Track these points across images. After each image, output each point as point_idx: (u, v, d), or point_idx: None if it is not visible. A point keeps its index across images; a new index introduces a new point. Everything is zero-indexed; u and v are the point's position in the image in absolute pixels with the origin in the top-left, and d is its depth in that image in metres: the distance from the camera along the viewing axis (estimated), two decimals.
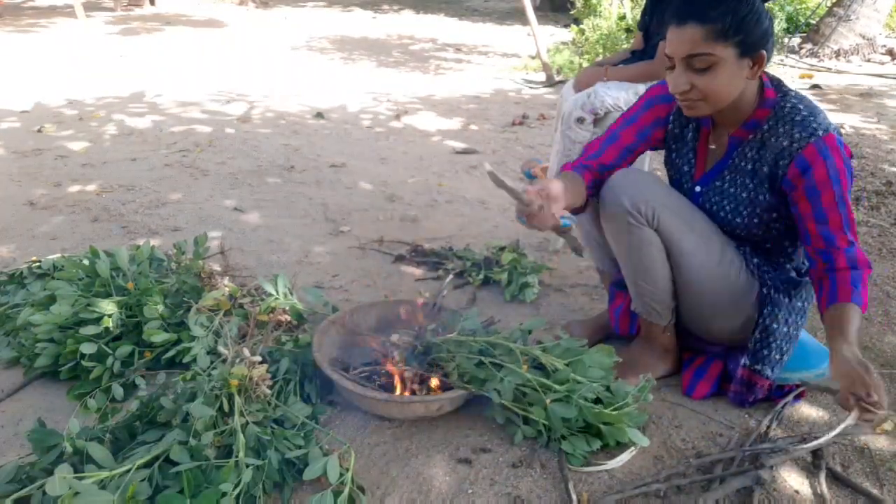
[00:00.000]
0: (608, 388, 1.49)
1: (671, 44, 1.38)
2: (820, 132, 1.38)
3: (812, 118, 1.40)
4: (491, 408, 1.50)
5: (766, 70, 1.43)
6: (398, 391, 1.56)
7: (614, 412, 1.42)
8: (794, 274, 1.56)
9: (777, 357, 1.56)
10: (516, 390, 1.47)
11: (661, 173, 2.10)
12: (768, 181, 1.46)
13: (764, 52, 1.36)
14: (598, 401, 1.46)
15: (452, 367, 1.52)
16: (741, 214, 1.53)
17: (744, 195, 1.51)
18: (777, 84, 1.48)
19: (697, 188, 1.60)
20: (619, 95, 2.25)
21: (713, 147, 1.58)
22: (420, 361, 1.60)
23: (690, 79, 1.37)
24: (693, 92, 1.38)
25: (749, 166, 1.49)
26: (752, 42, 1.34)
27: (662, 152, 1.72)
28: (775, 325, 1.54)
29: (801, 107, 1.43)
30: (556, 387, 1.45)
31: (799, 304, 1.56)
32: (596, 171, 1.61)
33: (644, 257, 1.54)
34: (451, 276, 2.04)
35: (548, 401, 1.43)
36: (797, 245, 1.54)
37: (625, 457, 1.44)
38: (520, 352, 1.53)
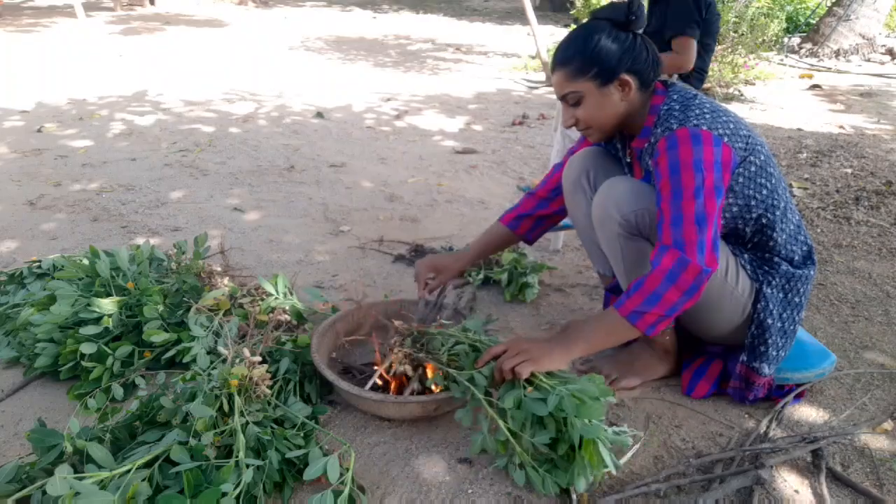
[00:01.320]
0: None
1: (554, 89, 1.56)
2: (675, 126, 1.42)
3: (678, 114, 1.44)
4: (462, 410, 1.42)
5: (665, 79, 1.54)
6: (392, 389, 1.56)
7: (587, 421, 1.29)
8: (786, 266, 1.55)
9: (773, 353, 1.56)
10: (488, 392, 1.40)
11: None
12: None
13: (625, 75, 1.46)
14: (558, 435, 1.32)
15: (443, 354, 1.50)
16: None
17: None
18: (666, 87, 1.54)
19: None
20: None
21: (629, 160, 1.67)
22: (416, 348, 1.58)
23: (572, 113, 1.54)
24: (579, 123, 1.54)
25: (650, 170, 1.52)
26: (608, 70, 1.46)
27: None
28: (770, 321, 1.54)
29: (677, 106, 1.47)
30: (543, 379, 1.35)
31: (796, 299, 1.56)
32: (545, 196, 1.84)
33: (639, 266, 1.54)
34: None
35: (529, 389, 1.34)
36: (773, 236, 1.54)
37: (625, 456, 1.44)
38: None
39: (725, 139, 1.41)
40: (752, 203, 1.50)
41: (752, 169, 1.47)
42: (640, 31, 1.51)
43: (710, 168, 1.38)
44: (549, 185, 1.84)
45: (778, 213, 1.52)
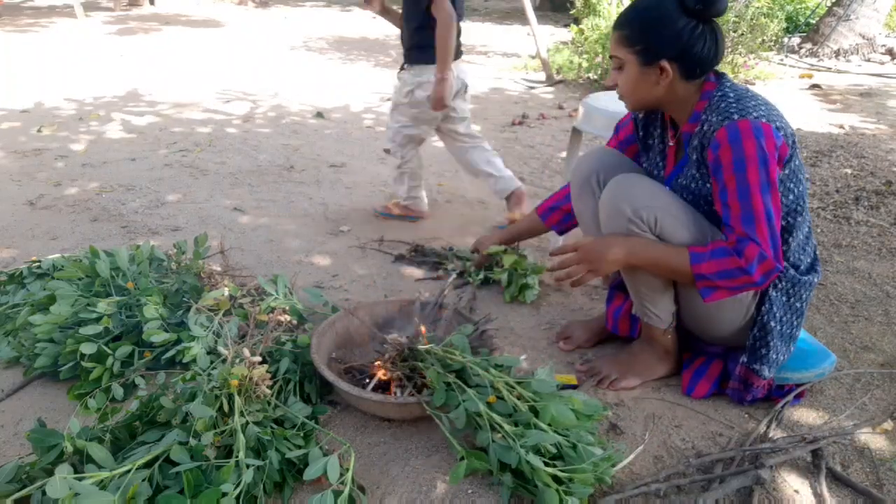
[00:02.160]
0: (574, 445, 1.31)
1: None
2: (735, 116, 1.40)
3: (735, 104, 1.43)
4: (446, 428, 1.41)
5: (709, 74, 1.51)
6: (391, 389, 1.56)
7: (561, 472, 1.26)
8: (792, 272, 1.55)
9: (774, 357, 1.56)
10: (471, 418, 1.38)
11: None
12: (704, 168, 1.50)
13: (665, 63, 1.47)
14: (556, 456, 1.31)
15: (430, 374, 1.48)
16: (701, 208, 1.54)
17: (693, 187, 1.54)
18: (718, 76, 1.53)
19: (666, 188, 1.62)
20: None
21: (672, 144, 1.64)
22: (405, 365, 1.59)
23: (615, 76, 1.57)
24: (618, 88, 1.58)
25: (695, 157, 1.53)
26: (652, 52, 1.48)
27: None
28: (773, 324, 1.54)
29: (731, 94, 1.46)
30: (506, 427, 1.33)
31: (797, 304, 1.56)
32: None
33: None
34: (452, 276, 2.04)
35: (498, 436, 1.32)
36: (793, 237, 1.53)
37: (626, 459, 1.44)
38: (490, 383, 1.42)
39: (782, 132, 1.41)
40: (784, 201, 1.49)
41: (786, 172, 1.47)
42: (714, 18, 1.47)
43: (771, 161, 1.39)
44: None
45: (799, 219, 1.51)
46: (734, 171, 1.40)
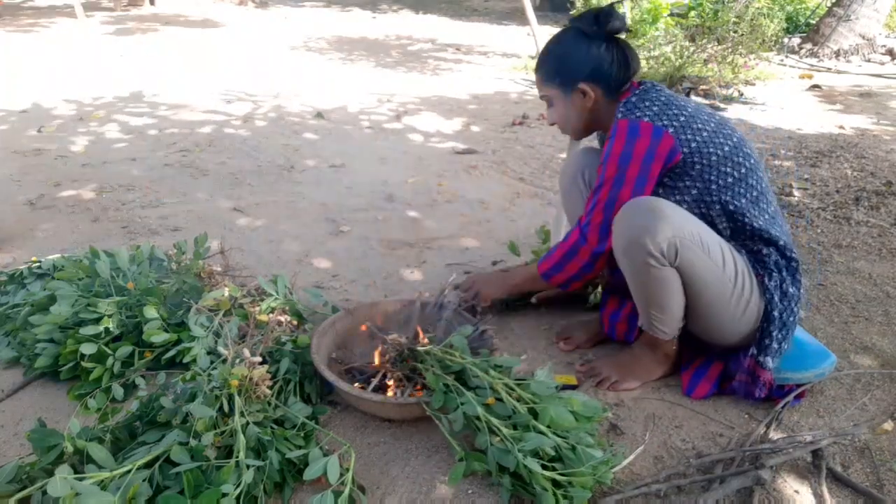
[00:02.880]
0: (574, 447, 1.30)
1: None
2: (619, 116, 1.57)
3: (623, 108, 1.58)
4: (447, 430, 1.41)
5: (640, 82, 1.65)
6: (391, 389, 1.56)
7: (560, 475, 1.26)
8: (776, 256, 1.56)
9: (776, 346, 1.56)
10: (468, 422, 1.38)
11: None
12: None
13: (584, 84, 1.62)
14: (555, 458, 1.30)
15: (429, 376, 1.48)
16: None
17: None
18: (639, 85, 1.63)
19: None
20: None
21: None
22: (405, 365, 1.59)
23: (550, 114, 1.75)
24: (556, 123, 1.74)
25: None
26: (568, 80, 1.64)
27: None
28: (776, 314, 1.54)
29: (633, 99, 1.59)
30: (504, 430, 1.32)
31: (792, 290, 1.56)
32: None
33: (661, 293, 1.54)
34: (454, 276, 2.04)
35: (496, 439, 1.32)
36: (746, 222, 1.55)
37: (627, 459, 1.44)
38: (489, 384, 1.42)
39: (670, 130, 1.51)
40: (713, 188, 1.56)
41: (714, 158, 1.54)
42: (617, 35, 1.61)
43: (637, 159, 1.53)
44: None
45: (745, 200, 1.56)
46: (602, 164, 1.57)
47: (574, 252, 1.64)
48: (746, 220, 1.56)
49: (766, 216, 1.58)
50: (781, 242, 1.57)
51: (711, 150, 1.54)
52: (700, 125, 1.54)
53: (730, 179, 1.55)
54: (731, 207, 1.56)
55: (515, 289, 1.87)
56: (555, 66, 1.66)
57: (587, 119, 1.70)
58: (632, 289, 1.60)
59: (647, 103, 1.56)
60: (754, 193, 1.57)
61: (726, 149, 1.55)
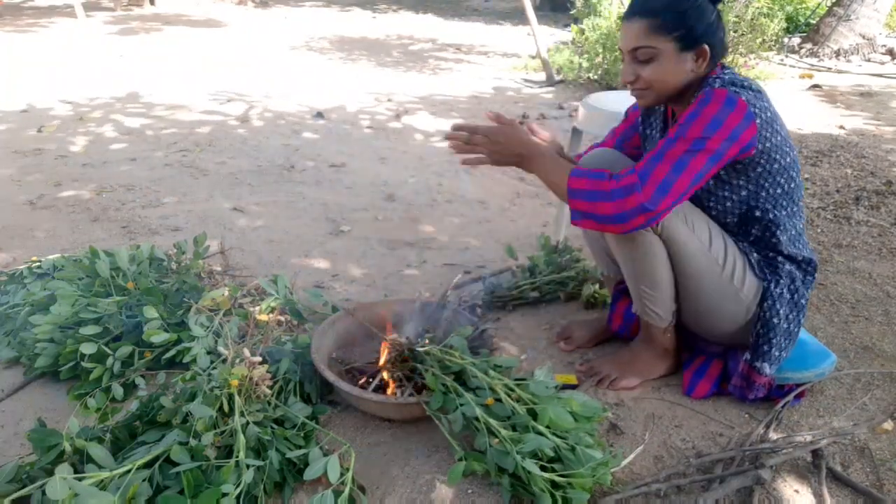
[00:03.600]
0: (573, 448, 1.30)
1: (621, 39, 1.49)
2: (716, 85, 1.42)
3: (718, 80, 1.44)
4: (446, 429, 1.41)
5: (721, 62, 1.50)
6: (391, 389, 1.56)
7: (559, 477, 1.26)
8: (790, 267, 1.56)
9: (776, 354, 1.56)
10: (468, 423, 1.37)
11: None
12: None
13: (706, 46, 1.44)
14: (555, 459, 1.30)
15: (428, 377, 1.49)
16: (700, 200, 1.56)
17: None
18: (723, 66, 1.52)
19: None
20: None
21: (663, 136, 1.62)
22: (405, 365, 1.59)
23: (636, 70, 1.47)
24: (639, 82, 1.48)
25: None
26: (694, 36, 1.43)
27: None
28: (776, 321, 1.54)
29: (727, 76, 1.46)
30: (502, 432, 1.32)
31: (802, 301, 1.56)
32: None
33: (647, 263, 1.54)
34: (458, 276, 2.04)
35: (495, 441, 1.32)
36: (777, 234, 1.54)
37: (627, 458, 1.44)
38: (488, 385, 1.41)
39: (757, 121, 1.40)
40: (763, 195, 1.50)
41: (776, 167, 1.47)
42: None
43: (724, 131, 1.36)
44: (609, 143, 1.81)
45: (784, 213, 1.52)
46: (683, 122, 1.39)
47: (620, 194, 1.36)
48: (778, 232, 1.53)
49: (795, 232, 1.57)
50: (800, 258, 1.57)
51: (778, 157, 1.47)
52: (778, 127, 1.45)
53: (779, 191, 1.50)
54: (771, 216, 1.52)
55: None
56: (678, 18, 1.41)
57: (683, 85, 1.48)
58: (620, 263, 1.61)
59: (744, 84, 1.44)
60: (793, 209, 1.55)
61: (787, 160, 1.49)
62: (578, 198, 1.41)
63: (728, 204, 1.54)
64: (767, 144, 1.44)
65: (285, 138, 4.07)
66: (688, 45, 1.43)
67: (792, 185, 1.51)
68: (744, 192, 1.52)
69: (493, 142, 1.50)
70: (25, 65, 6.12)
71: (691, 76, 1.47)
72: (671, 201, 1.37)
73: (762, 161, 1.46)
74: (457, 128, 1.55)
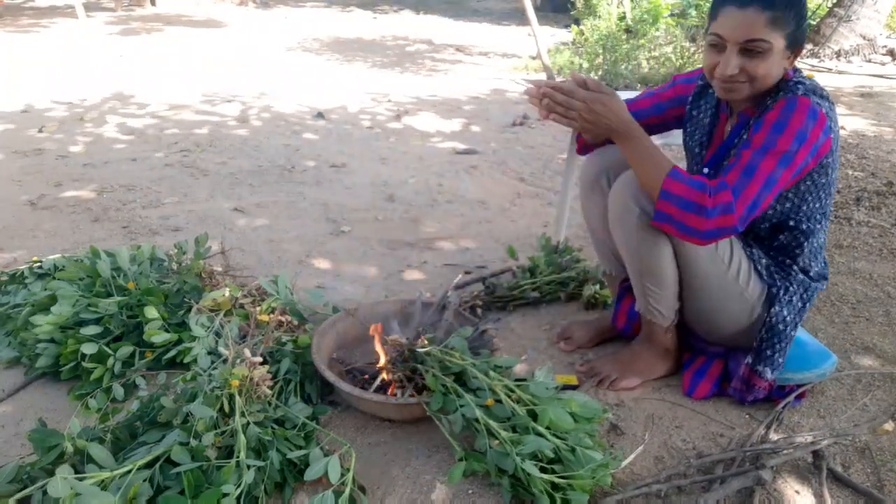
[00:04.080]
0: (573, 449, 1.30)
1: (727, 26, 1.38)
2: (799, 92, 1.38)
3: (803, 87, 1.40)
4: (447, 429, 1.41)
5: None
6: (391, 389, 1.56)
7: (558, 479, 1.26)
8: (802, 276, 1.56)
9: (779, 360, 1.56)
10: (468, 424, 1.38)
11: None
12: None
13: (802, 46, 1.42)
14: (555, 460, 1.30)
15: (428, 378, 1.49)
16: None
17: None
18: (795, 68, 1.49)
19: (705, 170, 1.60)
20: None
21: (728, 129, 1.59)
22: (406, 366, 1.59)
23: (743, 63, 1.39)
24: (740, 75, 1.40)
25: (746, 137, 1.46)
26: (798, 35, 1.40)
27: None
28: (781, 327, 1.54)
29: (807, 83, 1.43)
30: (502, 433, 1.32)
31: (805, 309, 1.57)
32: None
33: (652, 259, 1.53)
34: (459, 276, 2.04)
35: (495, 442, 1.32)
36: (803, 245, 1.53)
37: (627, 459, 1.44)
38: (488, 386, 1.41)
39: (831, 134, 1.39)
40: (804, 208, 1.48)
41: (823, 181, 1.45)
42: None
43: (808, 146, 1.35)
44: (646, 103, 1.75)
45: (817, 226, 1.51)
46: (769, 131, 1.35)
47: (716, 212, 1.32)
48: (805, 244, 1.52)
49: (817, 244, 1.56)
50: (812, 273, 1.57)
51: (829, 172, 1.44)
52: (838, 140, 1.42)
53: (818, 205, 1.48)
54: (803, 227, 1.50)
55: (626, 145, 1.45)
56: (794, 14, 1.36)
57: (773, 84, 1.43)
58: (626, 260, 1.60)
59: (823, 94, 1.39)
60: (824, 223, 1.53)
61: (834, 175, 1.47)
62: (670, 202, 1.36)
63: (769, 212, 1.52)
64: (830, 160, 1.42)
65: (286, 138, 4.07)
66: (792, 43, 1.39)
67: (829, 201, 1.50)
68: (788, 205, 1.49)
69: (590, 110, 1.43)
70: (26, 65, 6.12)
71: (782, 73, 1.43)
72: (755, 217, 1.37)
73: (815, 176, 1.44)
74: (552, 87, 1.48)
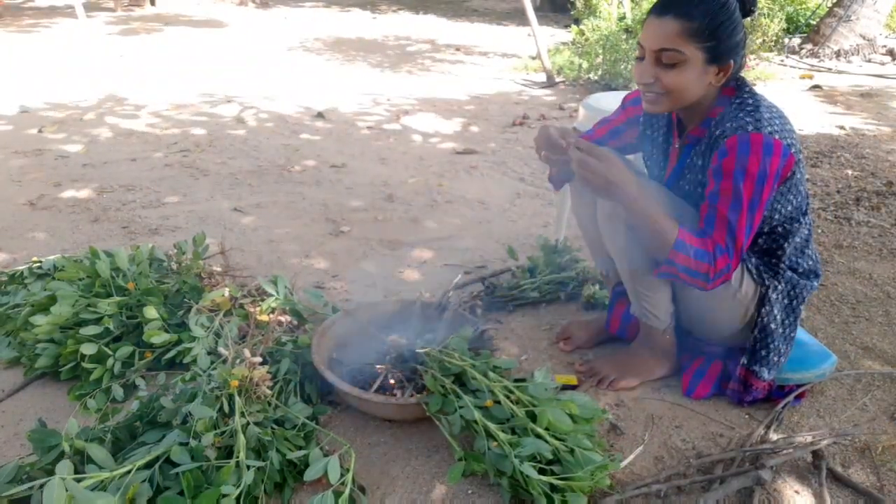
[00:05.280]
0: (572, 451, 1.30)
1: (646, 34, 1.40)
2: (750, 128, 1.36)
3: (752, 115, 1.38)
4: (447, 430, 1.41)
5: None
6: (392, 391, 1.56)
7: (557, 480, 1.26)
8: (791, 273, 1.56)
9: (775, 359, 1.56)
10: (467, 425, 1.38)
11: None
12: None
13: (732, 62, 1.40)
14: (554, 461, 1.30)
15: (427, 379, 1.49)
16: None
17: (700, 192, 1.49)
18: (738, 83, 1.47)
19: None
20: None
21: (677, 146, 1.60)
22: (405, 366, 1.59)
23: (656, 72, 1.40)
24: (656, 85, 1.41)
25: (700, 163, 1.49)
26: (723, 51, 1.38)
27: None
28: (773, 325, 1.54)
29: (750, 102, 1.41)
30: (501, 435, 1.33)
31: (798, 307, 1.57)
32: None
33: (643, 262, 1.54)
34: (459, 276, 2.04)
35: (493, 444, 1.32)
36: (784, 245, 1.53)
37: (627, 459, 1.44)
38: (487, 387, 1.42)
39: (793, 149, 1.39)
40: (776, 217, 1.49)
41: (787, 186, 1.45)
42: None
43: (771, 178, 1.37)
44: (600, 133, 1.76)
45: (796, 224, 1.51)
46: (733, 179, 1.36)
47: (718, 276, 1.40)
48: (785, 245, 1.52)
49: (801, 240, 1.55)
50: (801, 270, 1.57)
51: (798, 176, 1.45)
52: (798, 143, 1.43)
53: (790, 207, 1.48)
54: (780, 230, 1.51)
55: (629, 203, 1.40)
56: (712, 27, 1.34)
57: (698, 98, 1.43)
58: (617, 263, 1.60)
59: (769, 115, 1.38)
60: (802, 220, 1.52)
61: (798, 176, 1.47)
62: (676, 268, 1.40)
63: None
64: (795, 168, 1.43)
65: (285, 138, 4.06)
66: (715, 58, 1.38)
67: (800, 199, 1.50)
68: (764, 212, 1.49)
69: (607, 182, 1.38)
70: (26, 65, 6.12)
71: (709, 90, 1.43)
72: (739, 260, 1.44)
73: (787, 185, 1.45)
74: (586, 150, 1.41)
